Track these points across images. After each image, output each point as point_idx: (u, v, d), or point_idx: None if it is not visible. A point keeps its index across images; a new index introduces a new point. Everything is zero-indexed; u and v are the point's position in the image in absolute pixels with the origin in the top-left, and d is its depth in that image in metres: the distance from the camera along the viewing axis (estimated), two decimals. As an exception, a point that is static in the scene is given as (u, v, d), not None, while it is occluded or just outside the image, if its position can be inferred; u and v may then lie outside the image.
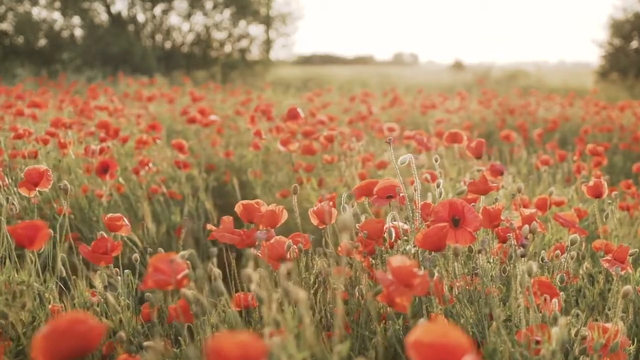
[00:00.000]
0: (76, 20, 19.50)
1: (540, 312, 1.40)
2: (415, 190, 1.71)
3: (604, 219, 2.04)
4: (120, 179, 3.11)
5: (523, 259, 1.34)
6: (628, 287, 1.22)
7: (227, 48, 21.41)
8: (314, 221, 1.65)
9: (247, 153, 3.76)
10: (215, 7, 20.82)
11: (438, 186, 1.66)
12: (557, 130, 5.77)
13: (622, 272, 1.47)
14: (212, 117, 4.25)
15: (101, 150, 2.81)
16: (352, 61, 47.18)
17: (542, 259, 1.61)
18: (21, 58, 17.57)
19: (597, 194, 1.93)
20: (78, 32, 19.55)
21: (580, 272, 2.09)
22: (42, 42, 19.15)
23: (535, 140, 4.84)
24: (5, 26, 19.01)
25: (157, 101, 6.72)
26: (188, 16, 20.67)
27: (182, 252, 1.32)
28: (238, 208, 1.64)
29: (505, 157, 4.41)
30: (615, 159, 4.83)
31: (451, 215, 1.40)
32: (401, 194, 1.62)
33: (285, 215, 1.59)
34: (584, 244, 2.04)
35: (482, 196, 1.84)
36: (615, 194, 2.04)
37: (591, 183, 1.91)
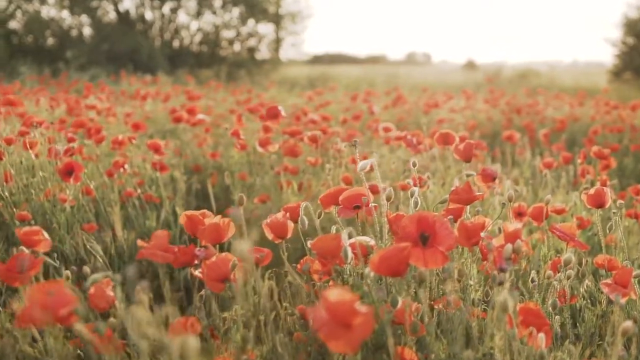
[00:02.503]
0: (84, 18, 19.42)
1: (526, 345, 1.19)
2: (388, 199, 1.49)
3: (608, 231, 1.81)
4: (92, 182, 2.92)
5: (505, 285, 1.12)
6: (628, 323, 1.00)
7: (236, 47, 21.26)
8: (269, 235, 1.44)
9: (234, 154, 3.55)
10: (224, 5, 20.67)
11: (412, 195, 1.44)
12: (566, 130, 5.51)
13: (624, 300, 1.24)
14: (200, 117, 4.04)
15: (67, 151, 2.61)
16: (364, 60, 46.87)
17: (532, 280, 1.38)
18: (29, 57, 17.50)
19: (599, 203, 1.69)
20: (87, 31, 19.49)
21: (581, 289, 1.86)
22: (51, 40, 19.10)
23: (542, 141, 4.59)
24: (14, 25, 18.99)
25: (152, 100, 6.53)
26: (197, 15, 20.54)
27: (94, 275, 1.12)
28: (182, 219, 1.44)
29: (509, 158, 4.18)
30: (625, 161, 4.57)
31: (420, 231, 1.18)
32: (370, 204, 1.40)
33: (232, 229, 1.37)
34: (584, 260, 1.82)
35: (467, 206, 1.62)
36: (621, 203, 1.80)
37: (592, 191, 1.68)
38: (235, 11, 20.88)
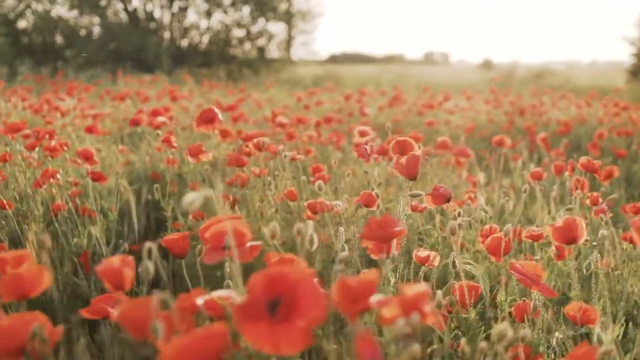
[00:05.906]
0: (94, 18, 19.24)
1: None
2: (272, 236, 1.12)
3: (585, 271, 1.41)
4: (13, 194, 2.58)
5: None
6: None
7: (247, 46, 20.97)
8: (107, 286, 1.07)
9: (189, 162, 3.19)
10: (233, 4, 20.40)
11: (298, 233, 1.05)
12: (571, 133, 5.08)
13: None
14: (161, 119, 3.68)
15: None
16: (381, 60, 46.34)
17: (459, 355, 1.00)
18: (36, 56, 17.37)
19: (569, 238, 1.29)
20: (96, 30, 19.31)
21: (553, 342, 1.47)
22: (59, 40, 18.95)
23: (541, 146, 4.16)
24: (23, 24, 18.89)
25: (131, 100, 6.19)
26: (206, 14, 20.29)
27: None
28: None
29: (503, 165, 3.78)
30: (634, 167, 4.13)
31: (269, 295, 0.81)
32: (233, 247, 1.02)
33: (46, 281, 1.00)
34: (553, 308, 1.43)
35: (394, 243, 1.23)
36: (604, 233, 1.40)
37: (559, 223, 1.28)
38: (246, 10, 20.60)
